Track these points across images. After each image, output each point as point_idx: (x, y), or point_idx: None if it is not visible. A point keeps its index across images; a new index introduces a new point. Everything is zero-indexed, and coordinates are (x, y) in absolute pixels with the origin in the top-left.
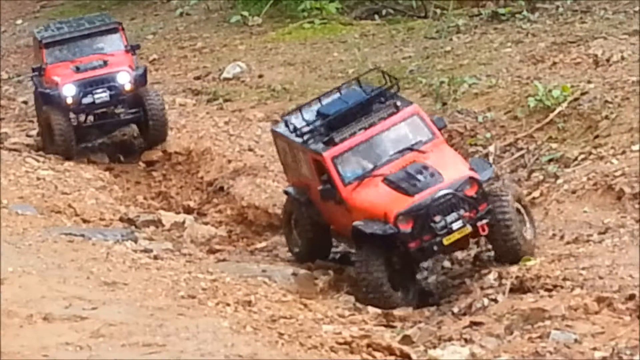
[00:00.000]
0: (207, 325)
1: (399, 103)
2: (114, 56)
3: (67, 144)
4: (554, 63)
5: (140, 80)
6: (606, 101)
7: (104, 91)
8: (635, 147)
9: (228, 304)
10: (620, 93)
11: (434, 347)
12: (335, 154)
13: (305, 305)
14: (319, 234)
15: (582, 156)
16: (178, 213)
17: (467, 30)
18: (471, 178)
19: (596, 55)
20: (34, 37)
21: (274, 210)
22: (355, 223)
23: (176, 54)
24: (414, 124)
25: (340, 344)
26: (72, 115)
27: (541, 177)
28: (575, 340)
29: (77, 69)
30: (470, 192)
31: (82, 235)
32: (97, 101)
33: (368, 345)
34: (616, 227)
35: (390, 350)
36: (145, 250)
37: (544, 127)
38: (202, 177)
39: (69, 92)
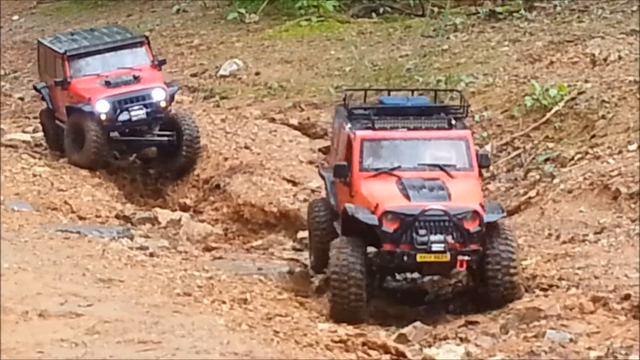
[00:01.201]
0: (202, 322)
1: (453, 122)
2: (142, 71)
3: (100, 156)
4: (551, 62)
5: (172, 97)
6: (603, 101)
7: (140, 108)
8: (631, 147)
9: (224, 302)
10: (617, 93)
11: (429, 346)
12: (367, 137)
13: (301, 303)
14: (331, 228)
15: (579, 156)
16: (174, 211)
17: (464, 28)
18: (475, 212)
19: (593, 55)
20: (48, 48)
21: (270, 208)
22: (347, 205)
23: (173, 50)
24: (458, 148)
25: (336, 342)
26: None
27: (537, 177)
28: (571, 340)
29: (108, 84)
30: (470, 225)
31: (78, 232)
32: (134, 118)
33: (363, 344)
34: (612, 227)
35: (385, 349)
36: (141, 248)
37: (541, 127)
38: (198, 175)
39: (103, 108)
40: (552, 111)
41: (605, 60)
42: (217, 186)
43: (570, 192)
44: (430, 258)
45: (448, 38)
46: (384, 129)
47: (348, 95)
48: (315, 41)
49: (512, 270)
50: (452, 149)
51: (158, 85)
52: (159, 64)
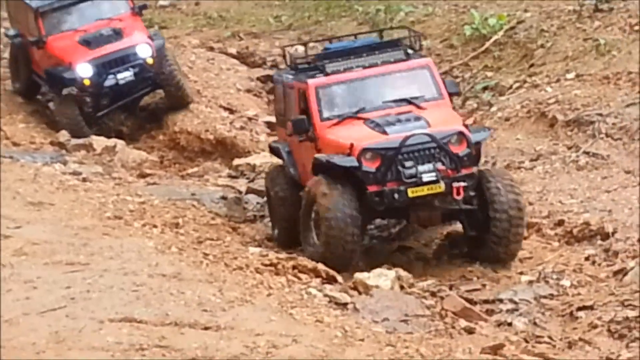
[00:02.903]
0: (132, 245)
1: (410, 51)
2: (122, 21)
3: (76, 132)
4: None
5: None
6: (542, 30)
7: (127, 69)
8: (569, 76)
9: (155, 226)
10: (556, 22)
11: (361, 270)
12: (321, 84)
13: (234, 228)
14: (294, 201)
15: (517, 84)
16: (110, 138)
17: None
18: (461, 133)
19: None
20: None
21: (206, 136)
22: (317, 155)
23: None
24: (422, 77)
25: (266, 265)
26: (88, 99)
27: (475, 105)
28: (503, 265)
29: (88, 43)
30: (457, 149)
31: (11, 157)
32: (121, 82)
33: (294, 267)
34: (548, 154)
35: (315, 272)
36: (74, 173)
37: (480, 56)
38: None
39: (85, 72)
40: (491, 40)
41: None
42: (154, 114)
43: (507, 120)
44: (423, 191)
45: None
46: (337, 72)
47: (286, 51)
48: None
49: (519, 221)
50: (415, 80)
51: (142, 40)
52: (139, 10)
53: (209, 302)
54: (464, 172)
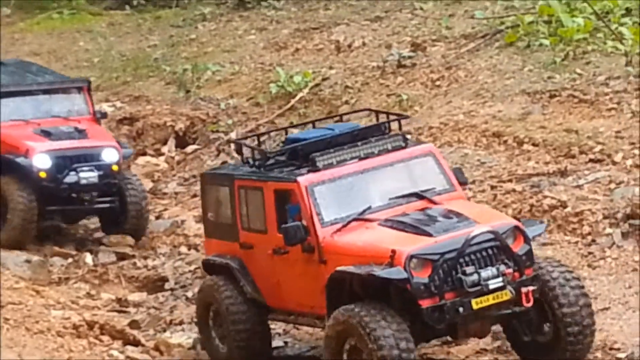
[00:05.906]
0: None
1: (408, 136)
2: (81, 123)
3: (26, 227)
4: (297, 49)
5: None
6: (347, 86)
7: (92, 170)
8: None
9: None
10: (360, 78)
11: (164, 331)
12: (314, 181)
13: (37, 291)
14: (254, 324)
15: None
16: None
17: (212, 18)
18: (517, 228)
19: (338, 41)
20: None
21: None
22: (340, 268)
23: None
24: (427, 166)
25: (68, 328)
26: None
27: None
28: None
29: (48, 134)
30: (515, 247)
31: None
32: (83, 181)
33: (96, 330)
34: None
35: (118, 335)
36: None
37: (286, 113)
38: None
39: (43, 163)
40: (297, 97)
41: (349, 46)
42: None
43: None
44: (489, 300)
45: (196, 27)
46: (330, 166)
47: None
48: (65, 33)
49: (590, 310)
50: (420, 170)
51: (110, 143)
52: (100, 117)
53: None
54: (527, 274)
